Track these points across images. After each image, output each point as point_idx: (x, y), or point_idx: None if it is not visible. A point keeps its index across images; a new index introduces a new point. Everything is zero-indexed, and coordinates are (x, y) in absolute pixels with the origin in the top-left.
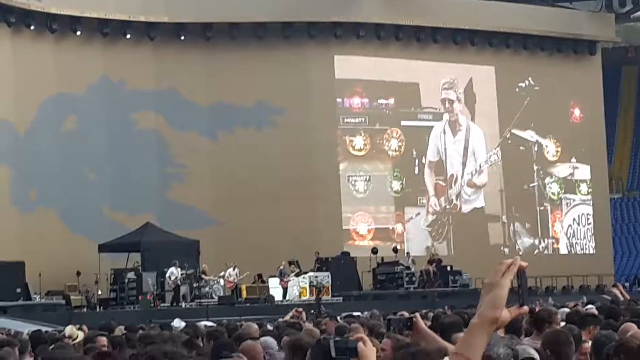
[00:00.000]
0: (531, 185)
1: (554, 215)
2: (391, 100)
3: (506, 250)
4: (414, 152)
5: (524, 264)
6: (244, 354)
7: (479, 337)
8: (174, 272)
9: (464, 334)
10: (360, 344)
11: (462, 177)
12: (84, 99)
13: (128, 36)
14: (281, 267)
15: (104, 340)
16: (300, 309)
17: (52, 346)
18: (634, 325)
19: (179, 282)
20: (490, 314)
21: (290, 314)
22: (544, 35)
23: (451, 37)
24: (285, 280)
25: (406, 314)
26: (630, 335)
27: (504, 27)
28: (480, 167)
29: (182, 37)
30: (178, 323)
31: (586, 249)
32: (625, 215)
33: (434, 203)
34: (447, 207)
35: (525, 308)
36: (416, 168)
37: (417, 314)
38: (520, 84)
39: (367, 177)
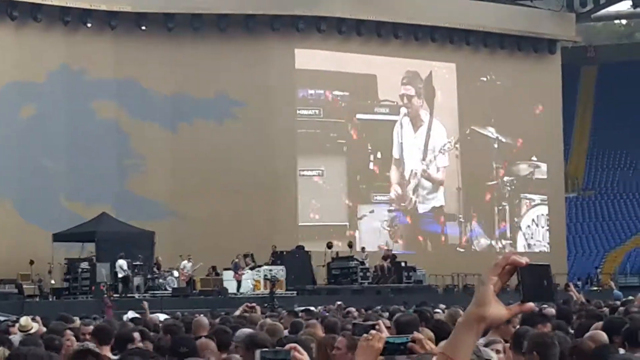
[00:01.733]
0: (489, 184)
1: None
2: (346, 93)
3: (461, 250)
4: (369, 147)
5: (524, 260)
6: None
7: (465, 337)
8: (123, 265)
9: (452, 333)
10: (294, 354)
11: (420, 174)
12: (44, 87)
13: (89, 25)
14: (236, 260)
15: (70, 334)
16: (253, 304)
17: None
18: (603, 334)
19: (127, 273)
20: (474, 312)
21: (241, 308)
22: (505, 33)
23: (412, 33)
24: (239, 273)
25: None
26: (587, 338)
27: (465, 24)
28: (434, 157)
29: (144, 27)
30: (132, 315)
31: (541, 247)
32: (580, 214)
33: (392, 199)
34: (404, 204)
35: (529, 305)
36: (370, 163)
37: (381, 322)
38: (482, 78)
39: (321, 172)
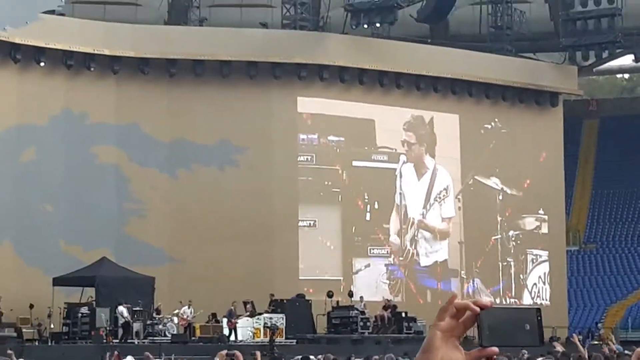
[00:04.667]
0: (493, 237)
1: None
2: (342, 138)
3: None
4: (366, 197)
5: (483, 302)
6: None
7: None
8: (124, 312)
9: None
10: None
11: (419, 224)
12: (45, 130)
13: (92, 69)
14: (231, 307)
15: None
16: (234, 351)
17: None
18: None
19: (127, 319)
20: (418, 359)
21: (217, 358)
22: (507, 85)
23: (414, 83)
24: (233, 321)
25: None
26: None
27: (467, 75)
28: (440, 205)
29: (146, 72)
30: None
31: (543, 301)
32: (581, 268)
33: (390, 252)
34: (402, 258)
35: (490, 350)
36: (367, 214)
37: None
38: (486, 126)
39: (313, 223)
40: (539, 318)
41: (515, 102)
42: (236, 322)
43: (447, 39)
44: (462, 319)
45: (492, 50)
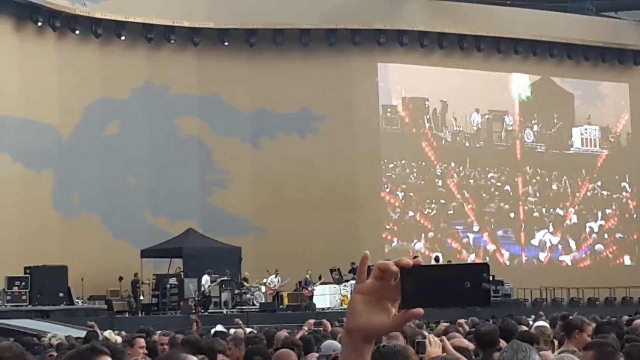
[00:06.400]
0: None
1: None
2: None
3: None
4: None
5: (404, 262)
6: None
7: (345, 352)
8: (208, 280)
9: None
10: None
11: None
12: (128, 103)
13: (172, 41)
14: (307, 275)
15: (142, 342)
16: (322, 320)
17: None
18: None
19: (209, 290)
20: (345, 324)
21: (306, 328)
22: (589, 45)
23: (495, 45)
24: (309, 289)
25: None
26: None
27: (548, 36)
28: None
29: (226, 43)
30: (219, 328)
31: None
32: None
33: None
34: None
35: (413, 312)
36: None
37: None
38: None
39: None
40: (485, 275)
41: (597, 62)
42: (313, 290)
43: (526, 0)
44: (386, 280)
45: (572, 10)
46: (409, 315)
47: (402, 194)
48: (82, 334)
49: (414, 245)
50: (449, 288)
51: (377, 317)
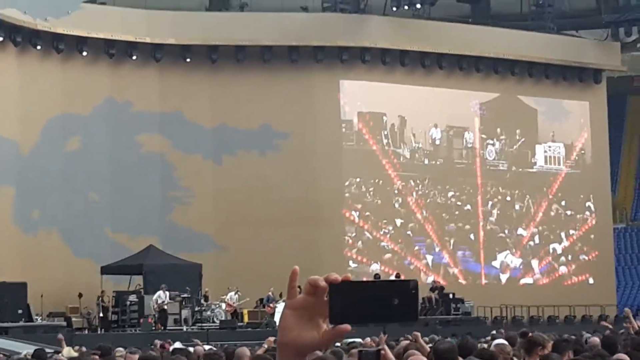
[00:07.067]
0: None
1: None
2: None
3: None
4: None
5: (332, 277)
6: None
7: None
8: (160, 296)
9: None
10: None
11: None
12: (89, 119)
13: (134, 57)
14: (269, 293)
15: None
16: (272, 338)
17: None
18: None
19: (165, 306)
20: (277, 340)
21: (265, 346)
22: (550, 63)
23: (457, 63)
24: (271, 306)
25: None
26: None
27: (510, 54)
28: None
29: (188, 59)
30: (178, 345)
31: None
32: (628, 245)
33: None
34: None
35: (341, 327)
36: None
37: (385, 347)
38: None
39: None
40: (413, 292)
41: (558, 80)
42: (275, 307)
43: (488, 18)
44: (318, 296)
45: (533, 28)
46: (337, 331)
47: (357, 213)
48: (44, 348)
49: (370, 267)
50: (377, 304)
51: (307, 332)
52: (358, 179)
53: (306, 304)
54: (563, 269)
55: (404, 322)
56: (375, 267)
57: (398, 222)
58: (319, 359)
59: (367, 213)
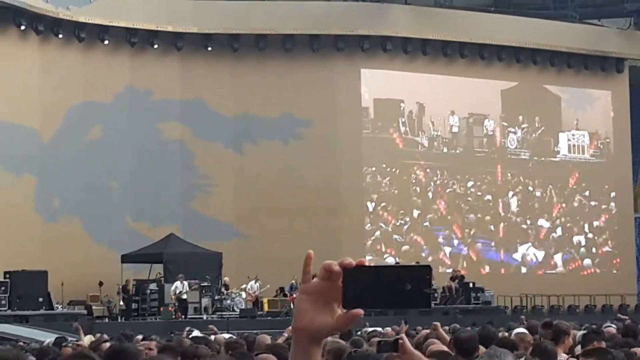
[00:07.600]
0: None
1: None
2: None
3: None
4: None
5: (346, 262)
6: None
7: (294, 351)
8: (178, 287)
9: None
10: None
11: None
12: (110, 108)
13: (155, 46)
14: (293, 281)
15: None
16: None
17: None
18: None
19: (183, 296)
20: (292, 325)
21: (286, 334)
22: (572, 52)
23: (478, 52)
24: (294, 294)
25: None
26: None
27: (532, 43)
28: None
29: (209, 48)
30: (196, 334)
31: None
32: None
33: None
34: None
35: (355, 311)
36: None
37: (404, 336)
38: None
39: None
40: (427, 278)
41: (580, 69)
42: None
43: (510, 7)
44: (333, 281)
45: (556, 17)
46: (350, 316)
47: (373, 204)
48: (64, 336)
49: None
50: (389, 290)
51: (321, 317)
52: (373, 168)
53: (321, 289)
54: (586, 261)
55: (417, 308)
56: (391, 260)
57: (415, 213)
58: (338, 350)
59: (384, 203)
